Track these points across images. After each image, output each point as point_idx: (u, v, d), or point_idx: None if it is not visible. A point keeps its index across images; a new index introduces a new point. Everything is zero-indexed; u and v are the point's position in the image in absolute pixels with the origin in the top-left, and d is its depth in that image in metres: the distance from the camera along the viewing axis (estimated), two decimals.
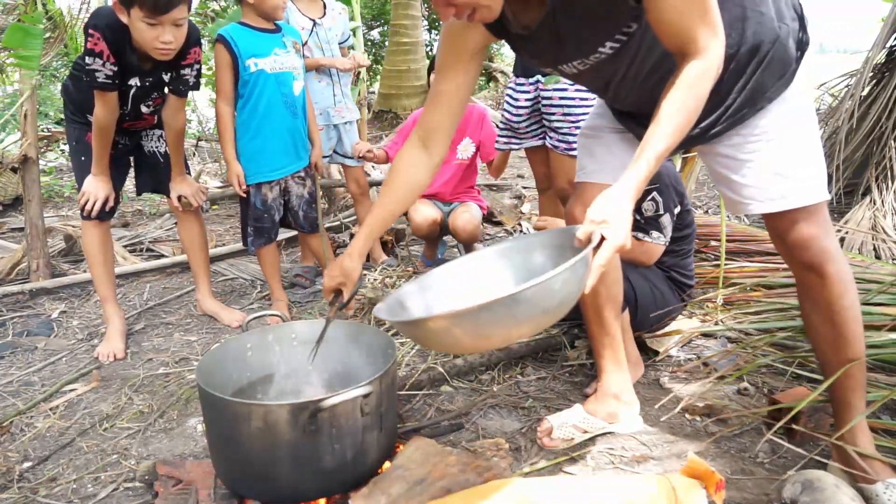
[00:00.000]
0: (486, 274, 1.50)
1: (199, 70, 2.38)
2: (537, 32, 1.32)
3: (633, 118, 1.55)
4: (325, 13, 3.09)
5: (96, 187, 2.34)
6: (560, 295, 1.14)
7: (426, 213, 3.05)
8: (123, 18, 2.03)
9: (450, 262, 1.56)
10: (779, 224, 1.41)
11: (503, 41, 1.44)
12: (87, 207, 2.34)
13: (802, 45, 1.36)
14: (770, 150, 1.38)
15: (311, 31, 3.02)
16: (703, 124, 1.39)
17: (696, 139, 1.44)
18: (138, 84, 2.28)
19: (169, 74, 2.33)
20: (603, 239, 1.15)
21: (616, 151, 1.63)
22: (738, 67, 1.32)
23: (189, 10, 2.10)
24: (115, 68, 2.13)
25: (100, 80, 2.12)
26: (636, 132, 1.53)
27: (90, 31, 2.07)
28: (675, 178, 2.08)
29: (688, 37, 1.17)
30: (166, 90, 2.40)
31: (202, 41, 2.38)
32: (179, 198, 2.58)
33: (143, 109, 2.40)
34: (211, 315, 2.75)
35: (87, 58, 2.09)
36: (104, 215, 2.40)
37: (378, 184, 4.69)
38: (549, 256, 1.41)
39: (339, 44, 3.23)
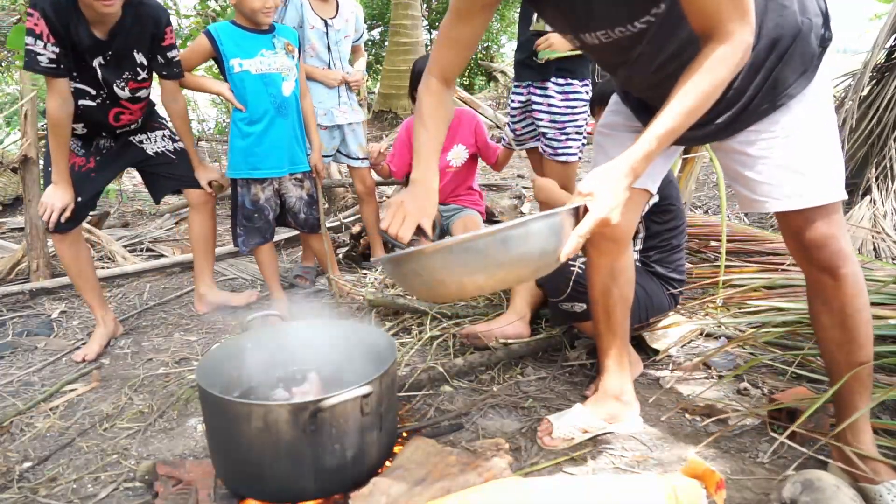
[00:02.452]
0: None
1: (177, 51, 2.37)
2: None
3: (649, 112, 1.53)
4: (336, 13, 3.10)
5: (53, 196, 2.20)
6: (517, 251, 1.16)
7: None
8: None
9: (448, 238, 1.60)
10: (794, 223, 1.38)
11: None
12: (45, 218, 2.21)
13: (825, 42, 1.34)
14: (787, 146, 1.36)
15: (325, 31, 3.03)
16: (721, 119, 1.36)
17: (714, 134, 1.42)
18: (102, 62, 2.19)
19: (141, 56, 2.27)
20: (587, 210, 1.16)
21: None
22: (757, 61, 1.29)
23: None
24: (58, 49, 2.03)
25: (42, 63, 2.02)
26: None
27: (29, 10, 1.99)
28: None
29: (715, 17, 1.14)
30: (144, 73, 2.34)
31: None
32: (210, 183, 2.57)
33: (120, 93, 2.28)
34: (221, 304, 2.75)
35: (27, 38, 2.00)
36: (62, 227, 2.26)
37: (383, 184, 4.70)
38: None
39: (353, 42, 3.24)
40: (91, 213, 2.49)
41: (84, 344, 2.46)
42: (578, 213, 1.19)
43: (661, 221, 2.08)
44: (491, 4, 1.43)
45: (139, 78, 2.34)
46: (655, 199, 2.02)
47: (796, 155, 1.36)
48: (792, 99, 1.33)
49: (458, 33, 1.46)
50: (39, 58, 2.02)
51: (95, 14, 2.08)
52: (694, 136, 1.44)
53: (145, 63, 2.32)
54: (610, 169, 1.19)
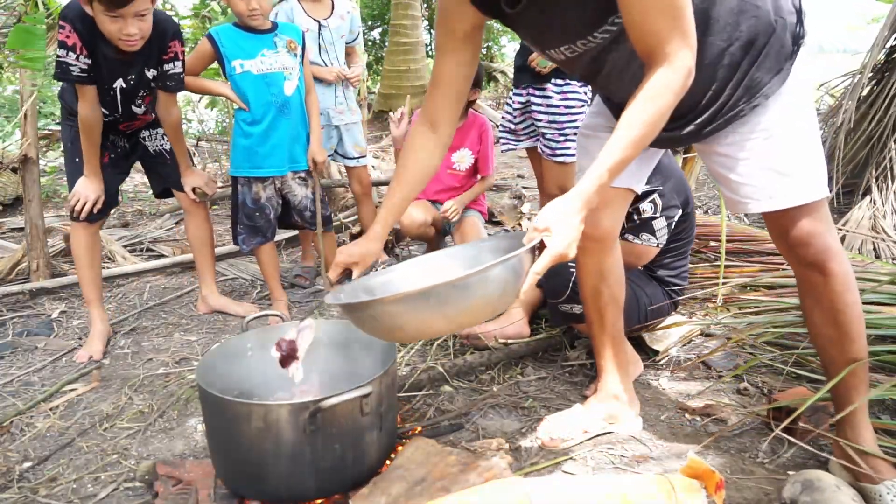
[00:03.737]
0: (434, 273, 1.53)
1: (182, 66, 2.38)
2: (525, 12, 1.30)
3: None
4: (331, 14, 3.09)
5: (87, 188, 2.32)
6: (478, 295, 1.16)
7: (415, 216, 3.04)
8: (88, 10, 2.01)
9: (403, 262, 1.62)
10: (779, 222, 1.39)
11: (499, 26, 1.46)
12: (77, 209, 2.33)
13: (798, 39, 1.34)
14: (767, 147, 1.36)
15: (318, 32, 3.02)
16: (698, 121, 1.37)
17: (691, 137, 1.43)
18: (123, 86, 2.27)
19: (152, 71, 2.31)
20: (544, 246, 1.17)
21: None
22: (732, 62, 1.30)
23: (153, 1, 2.09)
24: (89, 61, 2.11)
25: (75, 73, 2.10)
26: None
27: (61, 22, 2.06)
28: (681, 182, 2.06)
29: (655, 41, 1.15)
30: (153, 86, 2.38)
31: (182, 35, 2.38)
32: (194, 189, 2.60)
33: (136, 110, 2.39)
34: (219, 310, 2.76)
35: (58, 49, 2.07)
36: (93, 217, 2.38)
37: (380, 184, 4.70)
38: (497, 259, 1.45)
39: (347, 43, 3.23)
40: (114, 206, 2.58)
41: (82, 343, 2.46)
42: (534, 249, 1.21)
43: (678, 230, 2.08)
44: (472, 35, 1.41)
45: (151, 92, 2.40)
46: (680, 211, 2.03)
47: (777, 155, 1.36)
48: (768, 98, 1.34)
49: (440, 70, 1.46)
50: (72, 68, 2.10)
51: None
52: (673, 138, 1.44)
53: (155, 75, 2.35)
54: (564, 204, 1.20)
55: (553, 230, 1.17)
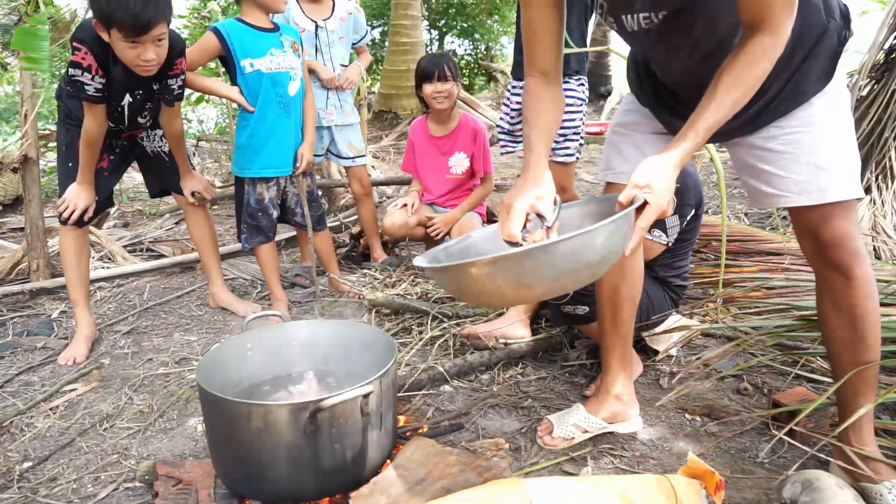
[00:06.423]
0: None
1: (183, 80, 2.40)
2: None
3: (671, 110, 1.52)
4: (331, 15, 3.08)
5: (77, 196, 2.34)
6: (603, 250, 1.14)
7: (394, 218, 3.08)
8: (104, 36, 2.03)
9: (489, 226, 1.52)
10: (811, 220, 1.37)
11: None
12: (65, 216, 2.35)
13: (844, 41, 1.35)
14: (810, 142, 1.35)
15: (315, 33, 3.01)
16: (744, 116, 1.35)
17: (739, 129, 1.41)
18: (131, 101, 2.30)
19: (157, 84, 2.34)
20: (645, 203, 1.16)
21: (647, 151, 1.55)
22: (784, 54, 1.27)
23: (168, 24, 2.10)
24: (104, 80, 2.14)
25: (89, 92, 2.13)
26: (672, 127, 1.50)
27: (76, 44, 2.07)
28: (696, 181, 2.05)
29: (768, 9, 1.15)
30: (157, 97, 2.41)
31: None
32: (193, 193, 2.63)
33: (140, 121, 2.42)
34: (225, 307, 2.79)
35: (72, 69, 2.10)
36: (82, 222, 2.40)
37: (380, 184, 4.69)
38: (588, 223, 1.36)
39: (355, 44, 3.23)
40: (109, 208, 2.60)
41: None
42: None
43: (686, 229, 2.07)
44: None
45: (155, 103, 2.43)
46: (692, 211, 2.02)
47: (818, 150, 1.35)
48: (815, 95, 1.34)
49: (535, 23, 1.42)
50: (87, 87, 2.12)
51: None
52: (733, 127, 1.42)
53: (158, 88, 2.38)
54: (662, 161, 1.19)
55: (653, 186, 1.17)
